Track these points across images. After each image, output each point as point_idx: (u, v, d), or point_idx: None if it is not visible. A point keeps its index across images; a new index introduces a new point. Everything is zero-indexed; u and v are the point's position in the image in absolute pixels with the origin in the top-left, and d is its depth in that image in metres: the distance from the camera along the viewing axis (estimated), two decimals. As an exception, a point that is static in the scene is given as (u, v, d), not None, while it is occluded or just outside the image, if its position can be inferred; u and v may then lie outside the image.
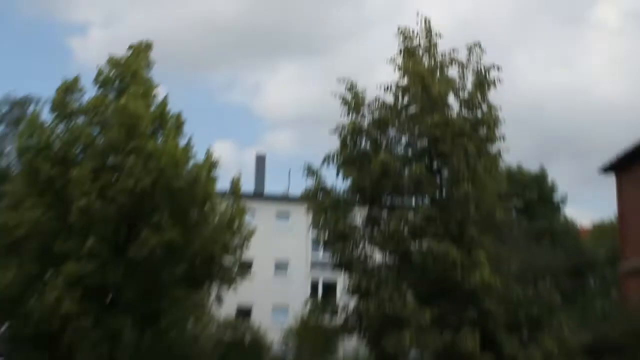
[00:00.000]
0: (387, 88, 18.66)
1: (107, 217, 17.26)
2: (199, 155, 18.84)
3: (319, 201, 18.66)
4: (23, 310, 17.58)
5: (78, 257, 17.14)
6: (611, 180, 30.97)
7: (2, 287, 17.58)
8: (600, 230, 53.35)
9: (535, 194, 45.43)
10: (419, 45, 19.01)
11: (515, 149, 35.48)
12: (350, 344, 29.30)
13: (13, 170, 28.35)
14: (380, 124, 18.52)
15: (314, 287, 43.07)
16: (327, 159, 18.60)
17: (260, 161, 53.52)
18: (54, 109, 18.80)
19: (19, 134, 19.49)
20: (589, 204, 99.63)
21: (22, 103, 51.72)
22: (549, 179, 52.20)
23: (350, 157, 18.41)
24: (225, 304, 20.85)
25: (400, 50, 18.85)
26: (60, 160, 17.77)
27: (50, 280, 16.97)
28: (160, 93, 19.31)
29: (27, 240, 18.00)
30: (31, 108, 45.97)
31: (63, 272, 16.99)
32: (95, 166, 17.60)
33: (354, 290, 18.38)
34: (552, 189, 52.06)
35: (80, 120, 18.51)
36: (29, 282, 17.52)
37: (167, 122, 18.85)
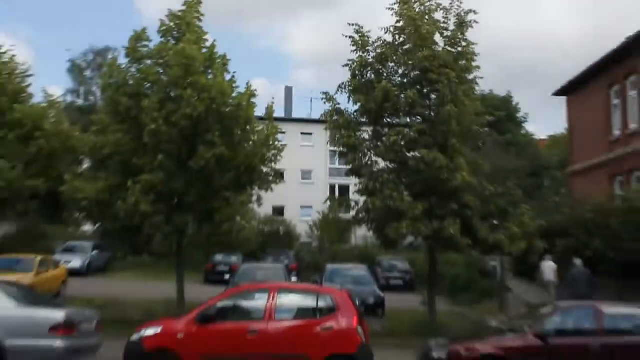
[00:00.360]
0: (387, 30, 18.29)
1: (171, 137, 17.18)
2: (240, 88, 18.54)
3: (335, 121, 18.51)
4: (111, 212, 17.69)
5: (151, 169, 17.15)
6: (562, 102, 30.70)
7: (95, 195, 17.67)
8: (553, 141, 53.27)
9: (503, 113, 45.13)
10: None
11: (487, 77, 34.77)
12: (361, 232, 29.47)
13: (98, 104, 28.14)
14: (382, 59, 18.23)
15: (332, 190, 43.26)
16: (340, 88, 18.41)
17: (288, 92, 53.68)
18: (127, 54, 18.55)
19: (102, 75, 19.32)
20: (544, 121, 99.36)
21: (103, 52, 51.89)
22: (514, 101, 52.13)
23: (358, 86, 18.17)
24: (263, 204, 20.82)
25: (397, -1, 18.42)
26: (134, 94, 17.62)
27: (130, 188, 16.97)
28: (209, 39, 18.92)
29: (111, 157, 18.04)
30: (110, 55, 45.97)
31: (140, 181, 17.00)
32: (161, 98, 17.45)
33: (363, 190, 18.39)
34: (516, 109, 52.05)
35: (148, 62, 18.23)
36: (114, 190, 17.58)
37: (215, 62, 18.53)
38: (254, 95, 18.49)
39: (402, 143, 17.82)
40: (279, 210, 43.74)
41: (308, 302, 11.89)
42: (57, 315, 11.36)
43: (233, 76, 18.66)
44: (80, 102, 52.48)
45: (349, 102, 18.55)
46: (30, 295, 12.49)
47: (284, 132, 19.60)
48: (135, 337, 11.46)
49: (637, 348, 11.27)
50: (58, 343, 10.98)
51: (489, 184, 18.27)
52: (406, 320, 18.59)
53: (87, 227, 35.79)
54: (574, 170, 29.01)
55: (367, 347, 11.31)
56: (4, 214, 26.45)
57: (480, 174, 18.21)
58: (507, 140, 43.36)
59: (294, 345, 11.06)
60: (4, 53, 23.68)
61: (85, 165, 22.97)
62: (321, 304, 11.64)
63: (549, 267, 22.03)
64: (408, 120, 18.62)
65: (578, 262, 19.77)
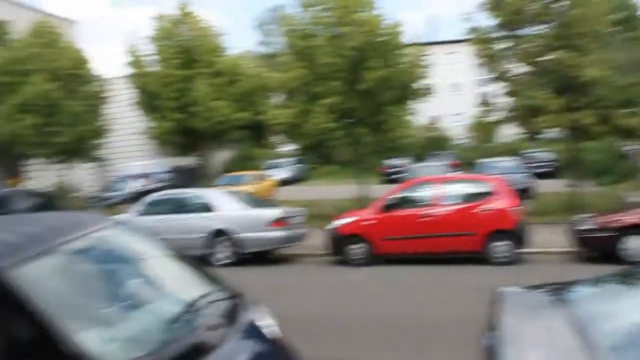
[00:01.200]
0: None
1: (341, 67, 17.33)
2: (388, 21, 18.09)
3: (474, 37, 17.58)
4: (302, 132, 18.30)
5: (328, 94, 17.45)
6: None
7: (288, 120, 18.31)
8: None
9: (624, 14, 40.66)
10: None
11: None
12: (505, 131, 28.39)
13: (281, 50, 28.59)
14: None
15: (480, 97, 41.58)
16: (478, 7, 17.31)
17: (431, 20, 52.67)
18: (301, 4, 18.69)
19: (281, 25, 19.58)
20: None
21: (279, 9, 52.82)
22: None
23: (493, 3, 17.01)
24: (421, 114, 20.60)
25: None
26: (307, 37, 17.86)
27: (315, 111, 17.48)
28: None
29: (297, 89, 18.50)
30: (285, 11, 46.69)
31: (322, 105, 17.41)
32: (328, 36, 17.58)
33: (507, 93, 17.55)
34: (636, 9, 46.81)
35: (317, 8, 18.25)
36: (302, 115, 18.10)
37: (365, 2, 18.12)
38: (400, 26, 18.04)
39: (537, 49, 16.65)
40: (435, 119, 43.48)
41: (471, 189, 11.92)
42: (275, 212, 12.40)
43: (381, 12, 18.29)
44: (267, 50, 54.47)
45: (487, 18, 17.48)
46: (253, 200, 13.57)
47: (430, 54, 18.91)
48: (332, 226, 12.17)
49: None
50: (277, 233, 12.04)
51: (619, 77, 16.67)
52: (553, 201, 17.94)
53: (285, 148, 37.58)
54: None
55: (523, 223, 11.20)
56: (223, 143, 28.37)
57: (610, 68, 16.63)
58: (633, 36, 38.94)
59: (462, 225, 11.17)
60: (200, 20, 24.26)
61: (278, 98, 23.85)
62: (482, 189, 11.62)
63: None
64: (542, 29, 17.19)
65: None
